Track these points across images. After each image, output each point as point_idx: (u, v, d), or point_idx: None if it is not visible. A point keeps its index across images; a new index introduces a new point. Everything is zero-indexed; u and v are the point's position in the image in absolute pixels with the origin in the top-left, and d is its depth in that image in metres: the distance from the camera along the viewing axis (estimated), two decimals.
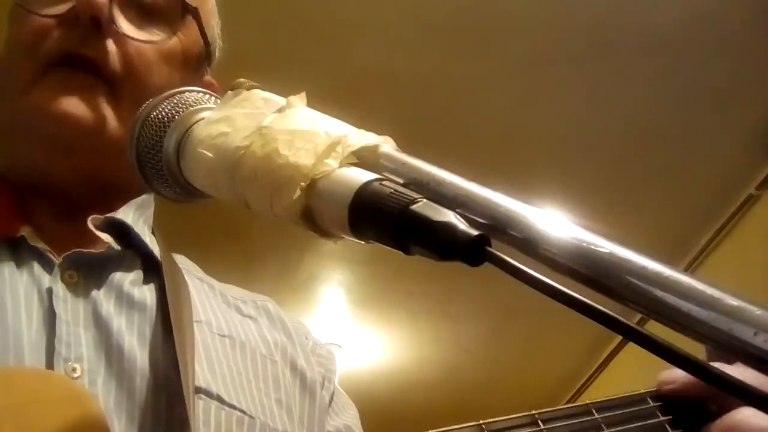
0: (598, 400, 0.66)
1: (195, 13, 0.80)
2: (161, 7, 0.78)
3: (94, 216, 0.71)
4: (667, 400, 0.68)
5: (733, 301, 0.31)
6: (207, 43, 0.83)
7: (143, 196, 0.77)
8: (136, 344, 0.66)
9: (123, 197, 0.75)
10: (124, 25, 0.75)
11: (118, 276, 0.70)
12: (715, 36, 2.25)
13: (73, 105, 0.71)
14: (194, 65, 0.82)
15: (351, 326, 3.74)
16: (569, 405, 0.65)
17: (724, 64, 2.34)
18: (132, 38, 0.75)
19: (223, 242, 2.84)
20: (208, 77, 0.86)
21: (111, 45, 0.73)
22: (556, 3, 2.21)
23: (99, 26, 0.72)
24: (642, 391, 0.68)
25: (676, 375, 0.67)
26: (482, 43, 2.32)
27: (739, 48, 2.28)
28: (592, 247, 0.36)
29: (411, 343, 3.87)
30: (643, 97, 2.48)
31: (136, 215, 0.76)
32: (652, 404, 0.67)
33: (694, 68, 2.36)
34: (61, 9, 0.73)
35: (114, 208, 0.74)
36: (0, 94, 0.76)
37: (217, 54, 0.89)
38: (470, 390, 4.10)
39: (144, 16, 0.77)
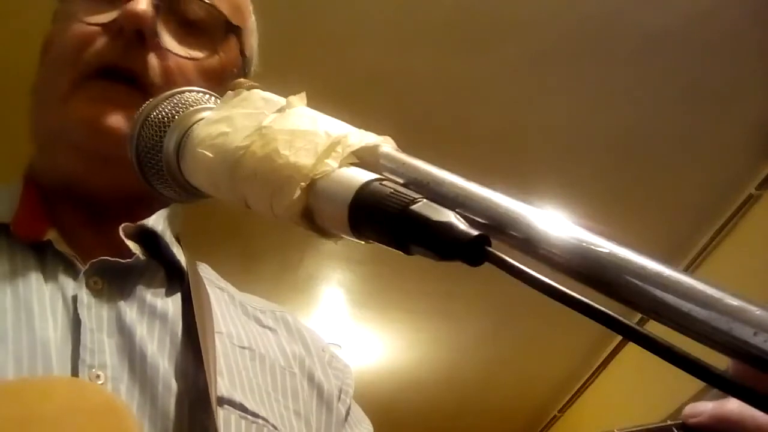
0: (623, 428, 0.64)
1: (238, 32, 0.80)
2: (206, 24, 0.77)
3: (126, 224, 0.71)
4: None
5: (733, 301, 0.31)
6: (246, 60, 0.83)
7: (173, 206, 0.77)
8: (158, 352, 0.66)
9: (153, 207, 0.75)
10: (167, 40, 0.74)
11: (141, 286, 0.70)
12: (715, 36, 2.25)
13: (110, 117, 0.71)
14: (230, 81, 0.82)
15: (351, 326, 3.74)
16: None
17: (724, 64, 2.34)
18: (175, 54, 0.74)
19: (223, 242, 2.84)
20: None
21: (153, 59, 0.73)
22: (555, 3, 2.21)
23: (142, 39, 0.72)
24: (669, 422, 0.66)
25: (703, 408, 0.66)
26: (481, 42, 2.31)
27: (739, 48, 2.28)
28: (592, 247, 0.36)
29: (411, 343, 3.87)
30: (642, 97, 2.47)
31: (166, 224, 0.76)
32: None
33: (693, 68, 2.36)
34: (105, 18, 0.73)
35: (143, 217, 0.74)
36: (41, 98, 0.76)
37: (253, 69, 0.88)
38: (470, 390, 4.10)
39: (187, 31, 0.76)
